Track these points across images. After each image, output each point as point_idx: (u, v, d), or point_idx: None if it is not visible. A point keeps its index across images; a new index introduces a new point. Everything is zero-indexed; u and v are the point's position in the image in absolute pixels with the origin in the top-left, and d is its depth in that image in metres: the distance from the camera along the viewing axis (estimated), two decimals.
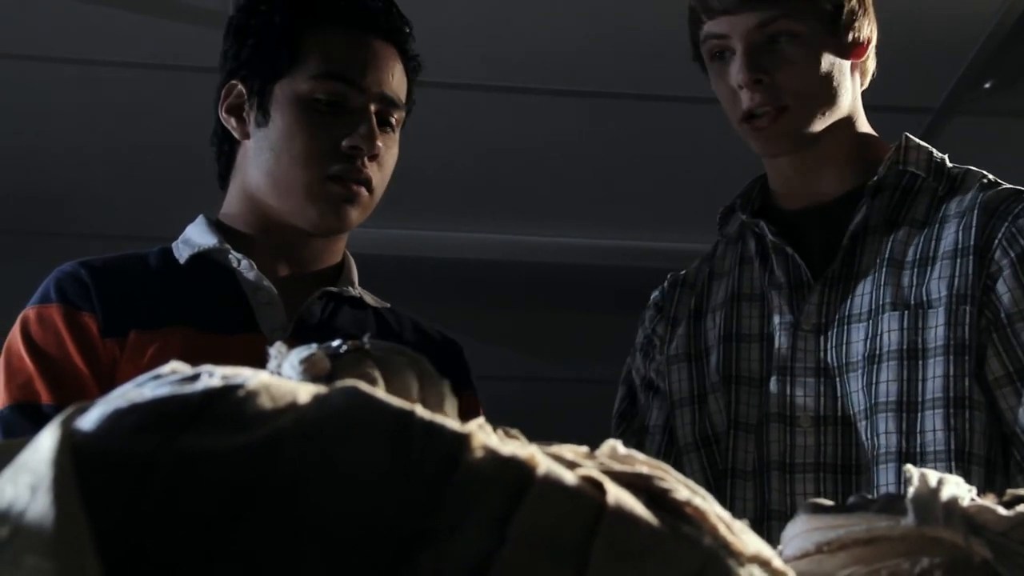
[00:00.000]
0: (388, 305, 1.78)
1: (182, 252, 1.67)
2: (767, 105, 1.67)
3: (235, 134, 1.68)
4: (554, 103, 3.13)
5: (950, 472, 1.53)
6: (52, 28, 2.82)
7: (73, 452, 0.53)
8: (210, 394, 0.55)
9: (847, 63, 1.73)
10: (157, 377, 0.59)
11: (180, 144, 2.97)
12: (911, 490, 0.74)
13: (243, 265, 1.64)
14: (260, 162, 1.65)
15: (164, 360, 0.62)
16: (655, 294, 1.93)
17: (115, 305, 1.57)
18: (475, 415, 1.67)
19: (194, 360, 0.62)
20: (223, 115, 1.68)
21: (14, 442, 0.60)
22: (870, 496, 0.76)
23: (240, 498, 0.52)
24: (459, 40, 2.86)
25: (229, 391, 0.56)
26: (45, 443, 0.53)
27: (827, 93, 1.71)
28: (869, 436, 1.64)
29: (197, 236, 1.68)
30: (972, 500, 0.74)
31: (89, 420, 0.55)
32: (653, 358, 1.87)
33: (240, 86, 1.67)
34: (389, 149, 1.67)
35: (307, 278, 1.69)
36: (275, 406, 0.55)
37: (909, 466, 0.79)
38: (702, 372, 1.80)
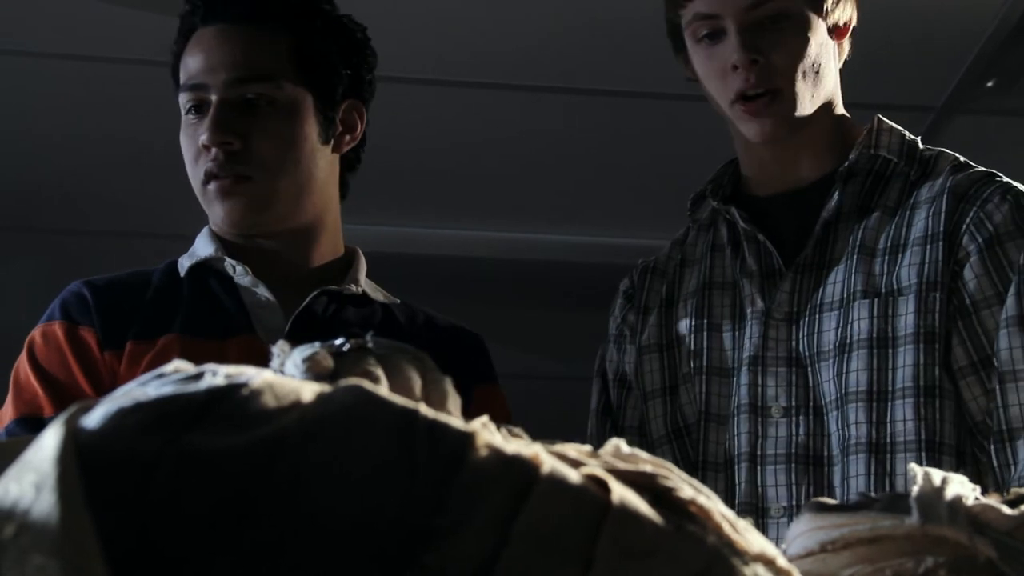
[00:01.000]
0: (398, 300, 1.78)
1: (183, 264, 1.70)
2: (760, 86, 1.65)
3: None
4: (542, 100, 3.12)
5: (920, 462, 1.53)
6: (64, 25, 2.82)
7: (77, 451, 0.53)
8: (214, 393, 0.55)
9: (832, 44, 1.71)
10: (161, 376, 0.59)
11: None
12: (915, 489, 0.74)
13: (238, 271, 1.67)
14: None
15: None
16: (625, 282, 1.90)
17: (113, 318, 1.61)
18: (499, 407, 1.69)
19: None
20: None
21: (18, 440, 0.60)
22: (874, 494, 0.76)
23: (244, 497, 0.52)
24: (440, 36, 2.86)
25: (233, 390, 0.55)
26: (49, 441, 0.53)
27: (817, 75, 1.68)
28: (840, 426, 1.62)
29: (199, 247, 1.72)
30: (976, 499, 0.74)
31: (93, 419, 0.54)
32: (625, 349, 1.85)
33: None
34: (262, 132, 1.64)
35: (309, 278, 1.69)
36: (279, 405, 0.55)
37: (913, 465, 0.79)
38: (674, 362, 1.78)
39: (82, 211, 3.54)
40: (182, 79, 1.66)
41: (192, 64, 1.65)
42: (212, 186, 1.63)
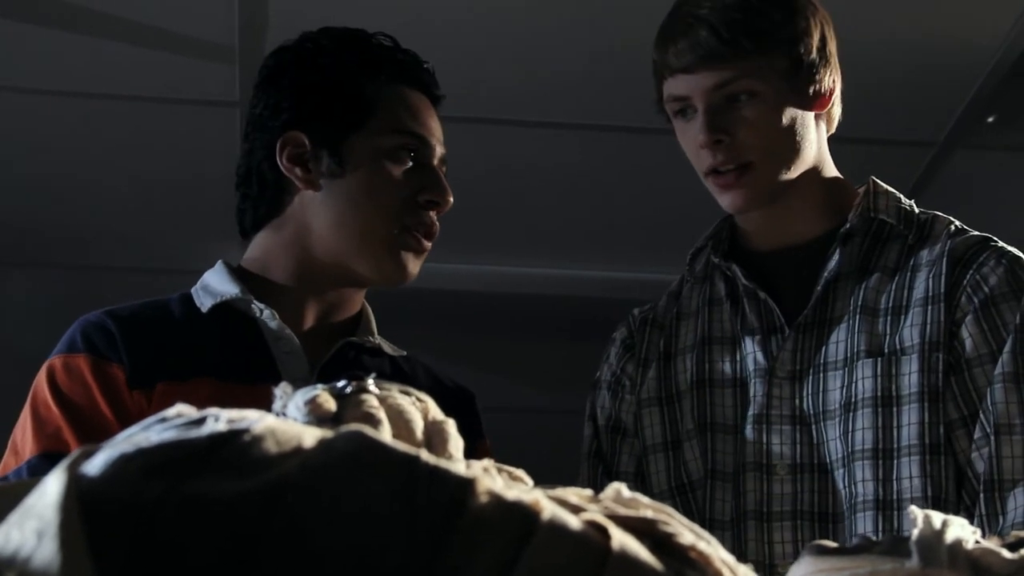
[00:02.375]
0: (404, 353, 1.77)
1: (204, 300, 1.66)
2: (730, 163, 1.68)
3: (298, 183, 1.65)
4: (536, 135, 3.13)
5: None
6: (68, 64, 2.84)
7: (79, 497, 0.53)
8: (216, 439, 0.56)
9: (810, 115, 1.73)
10: (163, 420, 0.60)
11: (195, 177, 2.99)
12: (915, 532, 0.74)
13: (265, 315, 1.64)
14: (333, 212, 1.64)
15: None
16: (622, 331, 1.90)
17: (142, 356, 1.56)
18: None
19: None
20: (285, 164, 1.65)
21: (19, 484, 0.60)
22: (874, 538, 0.76)
23: (245, 544, 0.52)
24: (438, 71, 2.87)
25: (235, 436, 0.56)
26: (51, 488, 0.53)
27: (791, 147, 1.70)
28: (847, 484, 1.65)
29: (218, 284, 1.67)
30: (977, 542, 0.74)
31: (95, 465, 0.55)
32: (622, 398, 1.85)
33: (303, 137, 1.65)
34: None
35: (329, 328, 1.69)
36: (280, 451, 0.55)
37: (913, 507, 0.78)
38: (675, 417, 1.79)
39: (96, 248, 3.54)
40: (400, 118, 1.67)
41: (418, 111, 1.69)
42: (411, 240, 1.66)
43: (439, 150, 1.70)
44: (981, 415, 1.61)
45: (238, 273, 1.69)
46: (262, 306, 1.64)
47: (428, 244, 1.68)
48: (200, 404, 0.62)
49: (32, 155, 3.16)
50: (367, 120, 1.65)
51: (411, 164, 1.66)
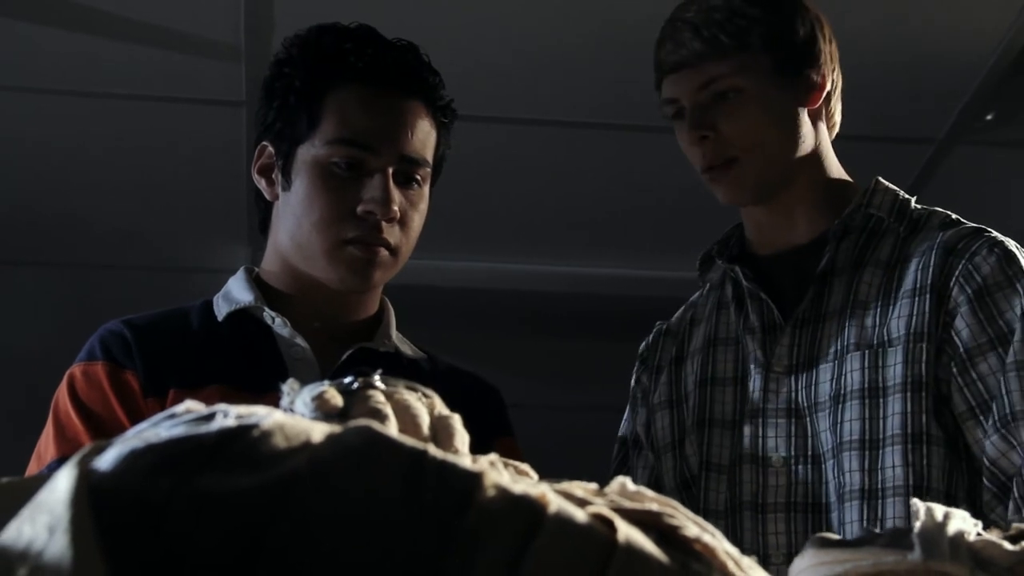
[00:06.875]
0: (425, 355, 1.77)
1: (221, 308, 1.68)
2: (716, 159, 1.72)
3: (266, 195, 1.68)
4: (550, 134, 3.14)
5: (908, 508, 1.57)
6: (73, 63, 2.84)
7: (90, 492, 0.53)
8: (225, 434, 0.56)
9: (800, 111, 1.76)
10: (172, 416, 0.60)
11: (200, 176, 2.99)
12: (917, 524, 0.75)
13: (277, 323, 1.65)
14: (286, 225, 1.66)
15: None
16: (642, 345, 1.97)
17: (155, 364, 1.58)
18: (518, 460, 1.67)
19: None
20: (255, 176, 1.68)
21: (31, 479, 0.61)
22: (877, 530, 0.76)
23: (254, 539, 0.52)
24: (450, 70, 2.88)
25: (244, 431, 0.56)
26: (62, 483, 0.54)
27: (778, 142, 1.74)
28: (836, 475, 1.67)
29: (236, 291, 1.69)
30: (978, 535, 0.74)
31: (106, 460, 0.55)
32: (638, 412, 1.92)
33: (270, 147, 1.67)
34: (414, 207, 1.65)
35: (344, 332, 1.69)
36: (289, 446, 0.56)
37: (915, 500, 0.79)
38: (682, 416, 1.83)
39: (106, 247, 3.54)
40: (337, 128, 1.61)
41: (368, 119, 1.62)
42: (356, 251, 1.61)
43: (399, 151, 1.62)
44: (993, 405, 1.61)
45: (256, 281, 1.71)
46: (274, 314, 1.65)
47: (380, 251, 1.62)
48: None
49: (38, 155, 3.16)
50: (313, 131, 1.63)
51: (352, 174, 1.61)
